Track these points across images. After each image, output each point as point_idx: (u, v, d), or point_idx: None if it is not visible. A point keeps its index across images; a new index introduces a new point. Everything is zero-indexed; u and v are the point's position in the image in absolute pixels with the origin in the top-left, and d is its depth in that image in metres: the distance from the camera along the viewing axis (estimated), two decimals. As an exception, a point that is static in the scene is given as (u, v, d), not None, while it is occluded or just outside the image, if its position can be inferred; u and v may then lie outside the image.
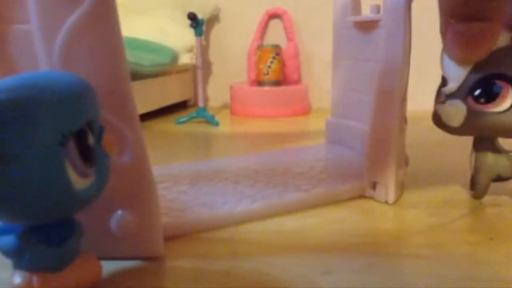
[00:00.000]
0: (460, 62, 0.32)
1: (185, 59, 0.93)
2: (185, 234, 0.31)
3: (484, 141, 0.35)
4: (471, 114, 0.33)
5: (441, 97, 0.34)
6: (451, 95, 0.33)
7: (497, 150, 0.35)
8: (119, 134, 0.25)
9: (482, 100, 0.33)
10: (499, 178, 0.36)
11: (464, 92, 0.33)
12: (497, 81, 0.32)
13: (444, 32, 0.32)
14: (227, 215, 0.33)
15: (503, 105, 0.32)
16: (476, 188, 0.36)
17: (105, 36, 0.24)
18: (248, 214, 0.33)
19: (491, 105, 0.33)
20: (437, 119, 0.35)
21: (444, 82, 0.34)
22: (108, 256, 0.26)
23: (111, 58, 0.24)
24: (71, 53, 0.24)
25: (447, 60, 0.33)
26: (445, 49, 0.33)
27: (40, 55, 0.24)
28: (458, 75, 0.33)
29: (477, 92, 0.33)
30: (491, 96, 0.32)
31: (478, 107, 0.33)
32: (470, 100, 0.33)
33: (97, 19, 0.23)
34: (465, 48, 0.31)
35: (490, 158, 0.35)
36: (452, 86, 0.33)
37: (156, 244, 0.27)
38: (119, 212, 0.26)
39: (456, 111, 0.33)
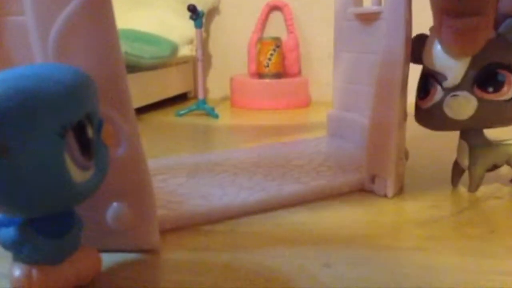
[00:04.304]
0: (458, 56, 0.32)
1: (185, 51, 0.93)
2: (184, 226, 0.31)
3: (475, 134, 0.35)
4: (482, 105, 0.33)
5: (435, 93, 0.34)
6: (456, 88, 0.33)
7: (487, 140, 0.36)
8: (114, 127, 0.25)
9: (490, 89, 0.33)
10: (495, 167, 0.36)
11: (469, 83, 0.33)
12: (499, 70, 0.33)
13: (438, 28, 0.32)
14: (226, 208, 0.32)
15: (510, 93, 0.33)
16: (472, 181, 0.36)
17: (100, 28, 0.24)
18: (246, 207, 0.33)
19: (498, 94, 0.33)
20: (435, 115, 0.34)
21: (436, 77, 0.34)
22: (104, 248, 0.26)
23: (106, 51, 0.24)
24: (66, 46, 0.23)
25: (441, 54, 0.33)
26: (441, 45, 0.33)
27: (35, 47, 0.24)
28: (458, 67, 0.33)
29: (485, 81, 0.33)
30: (497, 84, 0.33)
31: (488, 96, 0.33)
32: (477, 90, 0.33)
33: (92, 12, 0.23)
34: (462, 43, 0.31)
35: (485, 149, 0.35)
36: (454, 79, 0.33)
37: (151, 236, 0.27)
38: (115, 204, 0.26)
39: (468, 103, 0.33)
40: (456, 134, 0.37)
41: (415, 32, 0.35)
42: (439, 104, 0.34)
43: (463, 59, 0.32)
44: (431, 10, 0.32)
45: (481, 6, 0.30)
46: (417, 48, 0.35)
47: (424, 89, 0.35)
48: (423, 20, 0.38)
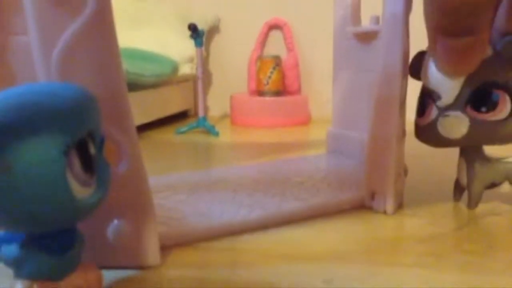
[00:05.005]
0: (453, 76, 0.33)
1: (185, 69, 0.94)
2: (184, 243, 0.31)
3: (474, 151, 0.36)
4: (475, 125, 0.33)
5: (431, 111, 0.34)
6: (448, 108, 0.33)
7: (486, 157, 0.36)
8: (115, 144, 0.25)
9: (483, 109, 0.33)
10: (493, 185, 0.36)
11: (462, 103, 0.33)
12: (494, 90, 0.33)
13: (433, 47, 0.32)
14: (225, 225, 0.33)
15: (503, 113, 0.33)
16: (471, 198, 0.36)
17: (102, 47, 0.24)
18: (246, 224, 0.33)
19: (492, 114, 0.33)
20: (431, 133, 0.34)
21: (432, 96, 0.34)
22: (104, 264, 0.26)
23: (108, 69, 0.24)
24: (68, 64, 0.24)
25: (436, 74, 0.33)
26: (435, 64, 0.33)
27: (38, 65, 0.24)
28: (452, 87, 0.33)
29: (478, 101, 0.33)
30: (491, 104, 0.33)
31: (480, 116, 0.33)
32: (470, 110, 0.33)
33: (94, 31, 0.24)
34: (456, 62, 0.31)
35: (483, 166, 0.36)
36: (448, 98, 0.33)
37: (152, 253, 0.27)
38: (115, 221, 0.26)
39: (460, 123, 0.33)
40: (456, 150, 0.37)
41: (412, 50, 0.35)
42: (434, 122, 0.34)
43: (457, 79, 0.33)
44: (426, 29, 0.32)
45: (476, 25, 0.30)
46: (417, 65, 0.35)
47: (421, 107, 0.35)
48: (421, 39, 0.38)
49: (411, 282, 0.26)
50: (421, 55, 0.35)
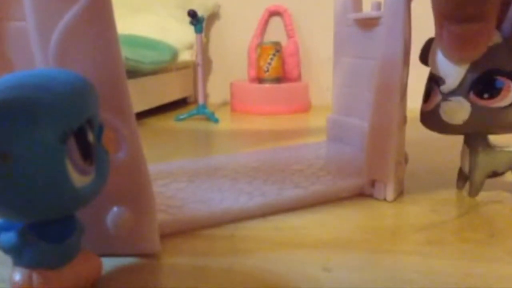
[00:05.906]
0: (458, 62, 0.32)
1: (185, 56, 0.94)
2: (184, 231, 0.31)
3: (478, 139, 0.36)
4: (476, 111, 0.33)
5: (435, 97, 0.34)
6: (451, 93, 0.33)
7: (490, 146, 0.36)
8: (114, 132, 0.25)
9: (486, 95, 0.33)
10: (495, 174, 0.36)
11: (466, 89, 0.33)
12: (498, 77, 0.32)
13: (439, 33, 0.32)
14: (225, 212, 0.33)
15: (506, 100, 0.33)
16: (472, 186, 0.36)
17: (100, 33, 0.24)
18: (245, 211, 0.33)
19: (494, 100, 0.33)
20: (434, 119, 0.34)
21: (437, 81, 0.34)
22: (104, 253, 0.26)
23: (107, 55, 0.24)
24: (66, 51, 0.24)
25: (442, 59, 0.33)
26: (441, 50, 0.33)
27: (36, 52, 0.24)
28: (456, 72, 0.33)
29: (481, 88, 0.33)
30: (494, 91, 0.33)
31: (482, 103, 0.33)
32: (472, 96, 0.33)
33: (93, 17, 0.23)
34: (461, 49, 0.31)
35: (486, 155, 0.35)
36: (451, 84, 0.33)
37: (151, 241, 0.27)
38: (115, 209, 0.26)
39: (461, 108, 0.33)
40: (457, 138, 0.37)
41: (414, 37, 0.35)
42: (437, 108, 0.34)
43: (462, 65, 0.33)
44: (433, 15, 0.32)
45: (483, 12, 0.30)
46: (426, 51, 0.35)
47: (427, 92, 0.35)
48: (423, 25, 0.38)
49: (411, 270, 0.26)
50: (431, 42, 0.35)
